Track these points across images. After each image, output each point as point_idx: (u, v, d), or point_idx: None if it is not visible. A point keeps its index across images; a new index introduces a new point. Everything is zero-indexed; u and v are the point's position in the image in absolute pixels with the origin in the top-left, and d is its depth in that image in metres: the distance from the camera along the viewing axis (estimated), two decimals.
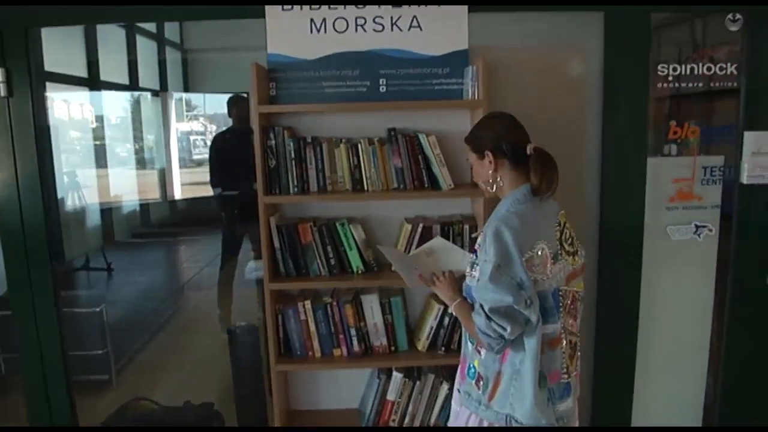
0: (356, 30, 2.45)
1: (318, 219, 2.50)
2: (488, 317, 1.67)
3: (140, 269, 5.72)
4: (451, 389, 2.50)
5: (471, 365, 1.89)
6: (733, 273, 2.68)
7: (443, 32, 2.45)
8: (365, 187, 2.39)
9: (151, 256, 6.28)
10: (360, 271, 2.45)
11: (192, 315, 4.86)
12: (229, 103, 5.08)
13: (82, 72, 5.10)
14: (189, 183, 7.49)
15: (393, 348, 2.50)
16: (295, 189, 2.37)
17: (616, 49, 2.52)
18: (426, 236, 2.43)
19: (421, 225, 2.43)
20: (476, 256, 1.79)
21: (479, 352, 1.84)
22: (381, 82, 2.48)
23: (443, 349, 2.47)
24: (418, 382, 2.52)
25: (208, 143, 8.52)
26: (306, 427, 2.67)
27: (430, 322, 2.48)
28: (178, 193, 7.26)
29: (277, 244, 2.41)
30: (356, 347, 2.46)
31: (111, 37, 5.39)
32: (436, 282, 1.99)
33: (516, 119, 1.84)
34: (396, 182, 2.40)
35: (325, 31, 2.45)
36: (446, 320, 2.46)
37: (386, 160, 2.39)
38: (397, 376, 2.51)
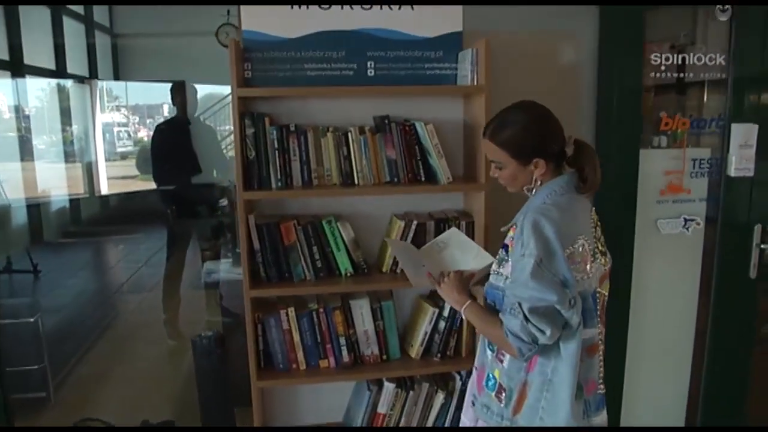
0: (342, 7, 2.15)
1: (300, 216, 2.20)
2: (526, 318, 1.45)
3: (70, 271, 5.15)
4: (447, 398, 2.28)
5: (490, 375, 1.66)
6: (718, 267, 2.60)
7: (436, 12, 2.20)
8: (356, 181, 2.11)
9: (81, 256, 5.69)
10: (349, 274, 2.17)
11: (133, 320, 4.40)
12: (172, 90, 4.68)
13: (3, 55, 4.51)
14: (115, 177, 6.93)
15: (385, 356, 2.24)
16: (279, 183, 2.06)
17: (609, 37, 2.37)
18: (420, 233, 2.19)
19: (414, 221, 2.18)
20: (506, 251, 1.57)
21: (501, 361, 1.62)
22: (369, 65, 2.20)
23: (439, 355, 2.24)
24: (411, 392, 2.26)
25: (132, 135, 7.99)
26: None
27: (425, 327, 2.23)
28: (104, 188, 6.69)
29: (256, 246, 2.09)
30: (345, 357, 2.19)
31: (35, 18, 4.79)
32: (440, 283, 1.75)
33: (549, 110, 1.62)
34: (389, 175, 2.14)
35: (307, 7, 2.14)
36: (441, 324, 2.23)
37: (378, 150, 2.12)
38: (389, 386, 2.25)
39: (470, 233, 2.21)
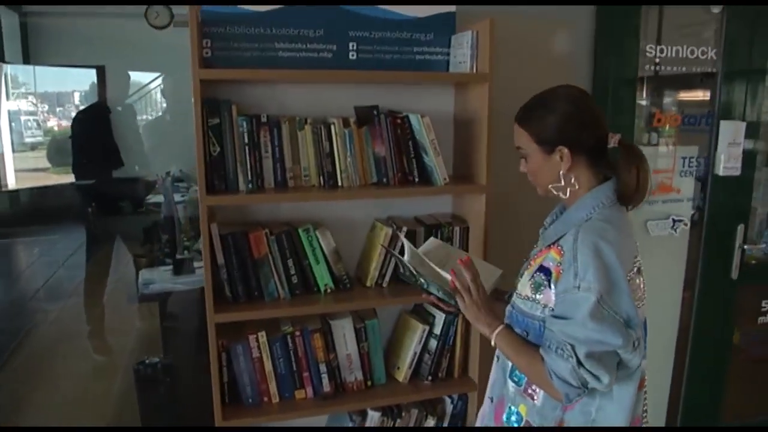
0: None
1: (270, 224, 1.82)
2: (579, 363, 1.17)
3: None
4: (437, 423, 1.98)
5: (513, 409, 1.38)
6: (702, 268, 2.46)
7: None
8: (339, 182, 1.75)
9: None
10: (329, 290, 1.82)
11: (53, 332, 3.79)
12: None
13: None
14: (24, 169, 6.15)
15: (369, 382, 1.91)
16: (249, 185, 1.67)
17: (604, 25, 2.14)
18: (410, 242, 1.86)
19: (404, 228, 1.86)
20: (546, 276, 1.26)
21: (531, 397, 1.33)
22: (351, 47, 1.84)
23: (430, 378, 1.94)
24: (399, 420, 1.95)
25: (41, 124, 7.23)
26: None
27: (414, 347, 1.92)
28: (12, 182, 5.91)
29: (220, 260, 1.70)
30: (327, 386, 1.84)
31: None
32: (466, 299, 1.38)
33: (592, 97, 1.34)
34: (376, 175, 1.80)
35: None
36: (432, 343, 1.92)
37: (364, 146, 1.78)
38: (374, 415, 1.91)
39: (464, 241, 1.92)
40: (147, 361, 2.10)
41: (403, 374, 1.94)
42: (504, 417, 1.40)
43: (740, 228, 2.43)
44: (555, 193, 1.32)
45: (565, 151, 1.26)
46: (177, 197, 4.26)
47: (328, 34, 1.81)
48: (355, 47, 1.84)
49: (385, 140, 1.77)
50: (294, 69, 1.78)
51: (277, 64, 1.78)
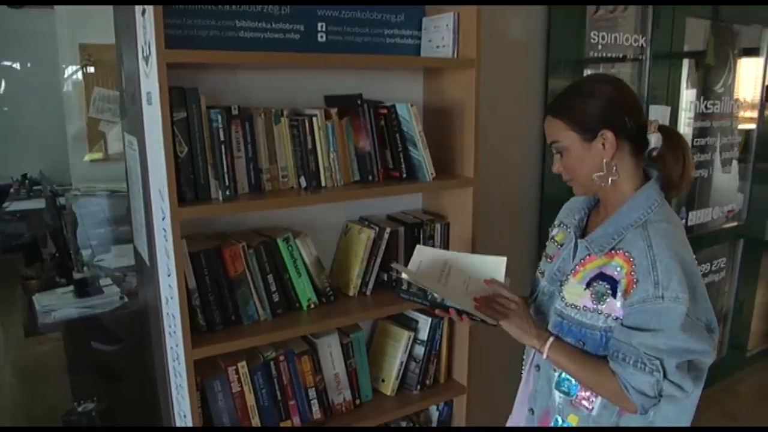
0: None
1: (236, 234, 1.54)
2: (665, 376, 1.10)
3: None
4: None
5: (561, 420, 1.29)
6: None
7: None
8: (323, 182, 1.52)
9: None
10: (312, 305, 1.59)
11: None
12: None
13: None
14: None
15: (358, 401, 1.71)
16: (227, 192, 1.38)
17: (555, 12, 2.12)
18: (393, 245, 1.70)
19: (387, 229, 1.68)
20: (609, 285, 1.16)
21: (586, 408, 1.24)
22: (320, 28, 1.61)
23: (418, 387, 1.79)
24: None
25: None
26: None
27: (400, 357, 1.76)
28: None
29: (192, 284, 1.40)
30: (317, 413, 1.61)
31: None
32: (509, 315, 1.25)
33: (628, 85, 1.27)
34: (359, 173, 1.60)
35: None
36: (419, 350, 1.77)
37: (345, 141, 1.56)
38: None
39: (445, 238, 1.79)
40: (80, 409, 1.69)
41: (390, 387, 1.77)
42: (551, 425, 1.31)
43: None
44: (598, 183, 1.22)
45: (609, 134, 1.18)
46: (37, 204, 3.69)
47: (295, 12, 1.56)
48: (324, 28, 1.61)
49: (369, 133, 1.57)
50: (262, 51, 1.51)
51: (238, 45, 1.49)
